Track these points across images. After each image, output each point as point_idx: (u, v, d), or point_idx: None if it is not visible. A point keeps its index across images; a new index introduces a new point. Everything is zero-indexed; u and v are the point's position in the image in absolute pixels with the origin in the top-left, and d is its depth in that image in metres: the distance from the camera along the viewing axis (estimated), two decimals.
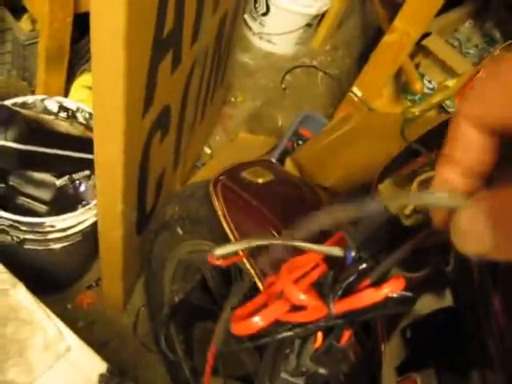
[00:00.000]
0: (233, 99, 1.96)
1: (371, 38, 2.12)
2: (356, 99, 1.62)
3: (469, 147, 0.27)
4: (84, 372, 0.87)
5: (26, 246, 1.15)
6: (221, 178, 0.84)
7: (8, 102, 1.21)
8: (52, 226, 1.11)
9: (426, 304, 0.42)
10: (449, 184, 0.28)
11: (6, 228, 1.10)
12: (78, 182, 1.18)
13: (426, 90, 1.60)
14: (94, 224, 1.13)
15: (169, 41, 0.87)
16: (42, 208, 1.17)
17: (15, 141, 1.17)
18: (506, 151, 0.27)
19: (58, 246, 1.17)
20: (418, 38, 1.50)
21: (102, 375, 0.85)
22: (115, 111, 0.79)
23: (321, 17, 2.15)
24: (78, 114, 1.29)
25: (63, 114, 1.29)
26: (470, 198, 0.26)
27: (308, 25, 2.10)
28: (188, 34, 0.97)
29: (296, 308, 0.35)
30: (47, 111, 1.28)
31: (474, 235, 0.25)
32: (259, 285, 0.66)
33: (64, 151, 1.20)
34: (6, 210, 1.08)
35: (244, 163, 0.90)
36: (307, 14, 2.04)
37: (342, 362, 0.50)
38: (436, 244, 0.35)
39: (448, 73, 1.66)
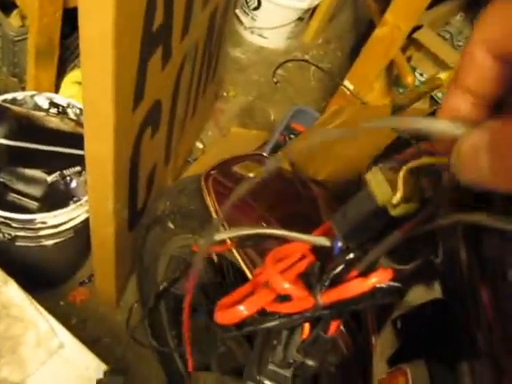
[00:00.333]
0: (225, 94, 1.96)
1: (363, 31, 2.12)
2: (348, 93, 1.62)
3: (482, 74, 0.27)
4: (77, 368, 0.87)
5: (17, 243, 1.14)
6: (212, 172, 0.83)
7: None
8: (43, 223, 1.10)
9: (418, 295, 0.42)
10: (456, 111, 0.28)
11: None
12: (69, 178, 1.18)
13: (417, 83, 1.60)
14: (86, 220, 1.13)
15: (158, 35, 0.86)
16: (33, 204, 1.17)
17: (5, 137, 1.17)
18: None
19: (49, 242, 1.17)
20: (409, 31, 1.50)
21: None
22: (105, 107, 0.78)
23: (312, 11, 2.14)
24: (69, 110, 1.28)
25: (54, 110, 1.28)
26: (472, 126, 0.25)
27: (300, 19, 2.10)
28: (178, 29, 0.97)
29: (283, 298, 0.35)
30: (38, 107, 1.27)
31: (473, 163, 0.25)
32: (248, 275, 0.66)
33: (55, 147, 1.19)
34: None
35: (235, 157, 0.90)
36: (299, 7, 2.03)
37: (332, 353, 0.50)
38: (425, 234, 0.35)
39: (440, 66, 1.66)
